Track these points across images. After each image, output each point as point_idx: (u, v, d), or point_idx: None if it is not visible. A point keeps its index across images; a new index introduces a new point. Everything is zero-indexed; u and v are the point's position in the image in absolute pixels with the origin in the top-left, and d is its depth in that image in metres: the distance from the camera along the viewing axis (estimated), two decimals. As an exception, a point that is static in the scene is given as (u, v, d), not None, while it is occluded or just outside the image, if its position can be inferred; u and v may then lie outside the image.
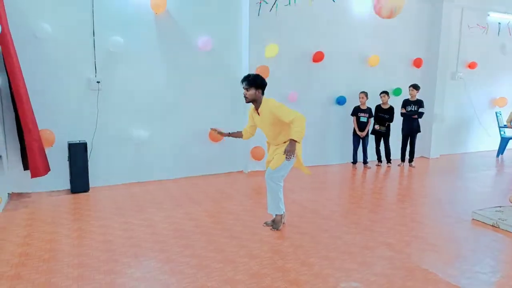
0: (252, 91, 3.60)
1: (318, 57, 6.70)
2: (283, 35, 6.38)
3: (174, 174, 5.96)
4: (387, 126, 7.08)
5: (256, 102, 3.69)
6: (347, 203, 4.94)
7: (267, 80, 6.06)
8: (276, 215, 3.89)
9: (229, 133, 4.10)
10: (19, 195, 4.92)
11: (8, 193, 4.86)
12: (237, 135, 4.10)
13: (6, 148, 4.81)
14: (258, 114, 3.76)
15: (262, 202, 4.86)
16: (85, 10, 5.06)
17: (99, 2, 5.11)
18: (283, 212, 3.91)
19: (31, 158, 4.51)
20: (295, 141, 3.44)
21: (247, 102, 3.70)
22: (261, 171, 6.50)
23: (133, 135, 5.50)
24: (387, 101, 7.07)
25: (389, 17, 4.61)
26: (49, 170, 4.82)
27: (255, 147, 6.34)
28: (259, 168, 6.51)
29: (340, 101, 7.16)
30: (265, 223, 4.00)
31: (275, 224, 3.90)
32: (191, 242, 3.53)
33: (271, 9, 5.97)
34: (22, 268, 3.00)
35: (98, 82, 5.19)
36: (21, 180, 4.95)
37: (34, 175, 4.58)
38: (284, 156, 3.51)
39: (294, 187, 5.60)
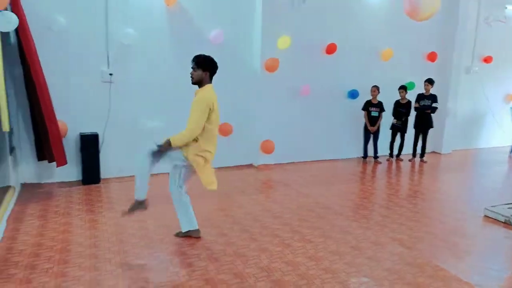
0: (198, 72, 3.27)
1: (330, 49, 6.62)
2: (295, 27, 6.32)
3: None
4: (404, 120, 7.01)
5: (201, 83, 3.33)
6: (357, 198, 4.90)
7: (277, 73, 6.18)
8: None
9: None
10: (32, 185, 4.99)
11: (21, 184, 4.94)
12: None
13: (19, 139, 4.88)
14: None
15: (272, 196, 4.87)
16: (99, 2, 5.06)
17: (111, -6, 5.12)
18: (196, 228, 3.50)
19: (56, 148, 4.60)
20: (169, 143, 3.17)
21: (193, 83, 3.34)
22: (271, 165, 6.50)
23: (145, 127, 5.52)
24: (405, 96, 6.99)
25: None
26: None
27: (265, 141, 6.33)
28: (269, 162, 6.50)
29: (353, 94, 7.09)
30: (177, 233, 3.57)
31: (182, 232, 3.50)
32: (202, 235, 3.54)
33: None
34: (35, 258, 3.05)
35: (110, 74, 5.21)
36: (34, 171, 5.03)
37: (60, 164, 4.70)
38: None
39: (305, 182, 5.58)
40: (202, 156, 3.27)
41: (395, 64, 7.39)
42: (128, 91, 5.41)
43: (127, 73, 5.36)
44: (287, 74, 6.38)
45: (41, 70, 4.54)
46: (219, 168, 6.22)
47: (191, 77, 3.33)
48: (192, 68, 3.32)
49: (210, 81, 3.37)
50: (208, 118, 3.23)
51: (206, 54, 3.38)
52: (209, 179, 3.39)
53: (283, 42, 6.11)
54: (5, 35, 4.32)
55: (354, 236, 3.62)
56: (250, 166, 6.49)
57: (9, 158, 4.31)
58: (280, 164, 6.62)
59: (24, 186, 4.93)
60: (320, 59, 6.70)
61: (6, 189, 4.31)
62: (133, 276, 2.81)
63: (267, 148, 6.29)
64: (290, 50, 6.25)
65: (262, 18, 6.00)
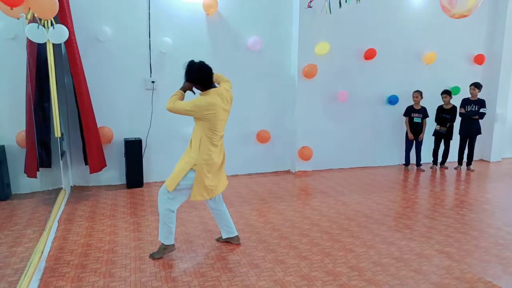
0: (187, 85, 3.16)
1: (369, 54, 6.49)
2: (333, 32, 6.26)
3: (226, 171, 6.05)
4: (448, 126, 6.74)
5: (201, 89, 3.16)
6: (399, 207, 4.75)
7: (314, 79, 6.13)
8: (162, 243, 3.24)
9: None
10: (81, 188, 5.25)
11: (71, 186, 5.21)
12: None
13: (69, 145, 5.16)
14: None
15: (310, 203, 4.82)
16: (142, 13, 5.28)
17: (155, 5, 5.30)
18: (172, 243, 3.24)
19: (89, 155, 4.80)
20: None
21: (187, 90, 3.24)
22: (309, 171, 6.45)
23: (185, 133, 5.66)
24: (449, 101, 6.73)
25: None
26: (105, 166, 5.09)
27: (303, 147, 6.29)
28: (306, 168, 6.45)
29: (392, 100, 6.90)
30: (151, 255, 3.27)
31: (156, 252, 3.25)
32: (241, 241, 3.56)
33: (322, 9, 5.83)
34: (85, 258, 3.20)
35: (153, 82, 5.40)
36: (83, 174, 5.28)
37: (92, 170, 4.87)
38: (185, 170, 3.05)
39: (344, 189, 5.49)
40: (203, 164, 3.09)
41: (439, 68, 7.13)
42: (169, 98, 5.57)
43: (168, 81, 5.52)
44: (325, 80, 6.32)
45: (84, 80, 4.76)
46: (257, 174, 6.27)
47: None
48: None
49: (208, 87, 3.10)
50: (208, 125, 3.06)
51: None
52: (199, 190, 3.13)
53: (322, 48, 6.07)
54: (58, 46, 4.59)
55: (397, 247, 3.51)
56: (287, 172, 6.47)
57: (61, 162, 4.56)
58: (318, 170, 6.55)
59: (74, 188, 5.21)
60: (359, 64, 6.59)
61: (58, 191, 4.57)
62: (176, 279, 2.87)
63: (304, 154, 6.25)
64: (327, 56, 6.20)
65: (299, 24, 6.00)
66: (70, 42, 4.44)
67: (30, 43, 4.13)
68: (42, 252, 3.03)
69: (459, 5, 3.71)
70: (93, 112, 4.87)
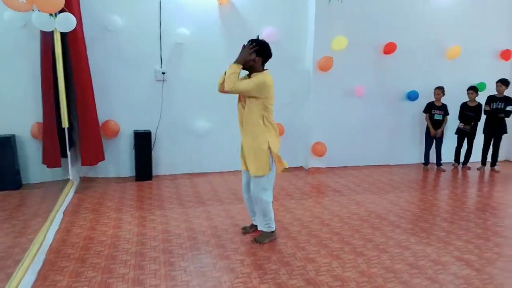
0: (246, 57, 3.14)
1: (389, 48, 6.20)
2: (351, 25, 6.00)
3: (235, 166, 5.91)
4: (472, 125, 6.41)
5: (253, 69, 3.21)
6: (416, 209, 4.50)
7: (330, 73, 5.90)
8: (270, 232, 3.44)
9: None
10: (90, 179, 5.21)
11: (80, 177, 5.18)
12: None
13: (79, 136, 5.12)
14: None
15: (322, 202, 4.64)
16: (153, 2, 5.16)
17: (166, -6, 5.19)
18: (275, 229, 3.47)
19: (83, 148, 4.70)
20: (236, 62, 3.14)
21: (243, 68, 3.24)
22: (322, 168, 6.26)
23: (196, 126, 5.56)
24: (474, 98, 6.39)
25: None
26: (102, 159, 4.98)
27: (316, 143, 6.09)
28: (320, 165, 6.25)
29: (411, 96, 6.59)
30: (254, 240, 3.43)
31: (260, 237, 3.42)
32: (247, 239, 3.43)
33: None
34: (85, 252, 3.13)
35: (163, 73, 5.30)
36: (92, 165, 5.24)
37: (84, 163, 4.77)
38: (266, 156, 3.24)
39: (358, 188, 5.27)
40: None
41: (463, 63, 6.76)
42: (180, 90, 5.47)
43: (179, 72, 5.41)
44: (341, 74, 6.08)
45: (88, 72, 4.65)
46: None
47: None
48: None
49: (263, 65, 3.24)
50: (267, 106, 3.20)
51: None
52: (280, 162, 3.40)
53: (339, 43, 5.82)
54: (66, 36, 4.50)
55: (412, 252, 3.29)
56: (300, 169, 6.28)
57: (68, 153, 4.51)
58: (332, 168, 6.35)
59: (83, 179, 5.17)
60: (377, 58, 6.31)
61: (65, 182, 4.53)
62: (175, 278, 2.76)
63: (318, 150, 6.05)
64: (344, 49, 5.95)
65: (316, 14, 5.78)
66: (74, 32, 4.26)
67: (43, 32, 4.06)
68: (41, 244, 2.96)
69: None
70: (95, 105, 4.79)
